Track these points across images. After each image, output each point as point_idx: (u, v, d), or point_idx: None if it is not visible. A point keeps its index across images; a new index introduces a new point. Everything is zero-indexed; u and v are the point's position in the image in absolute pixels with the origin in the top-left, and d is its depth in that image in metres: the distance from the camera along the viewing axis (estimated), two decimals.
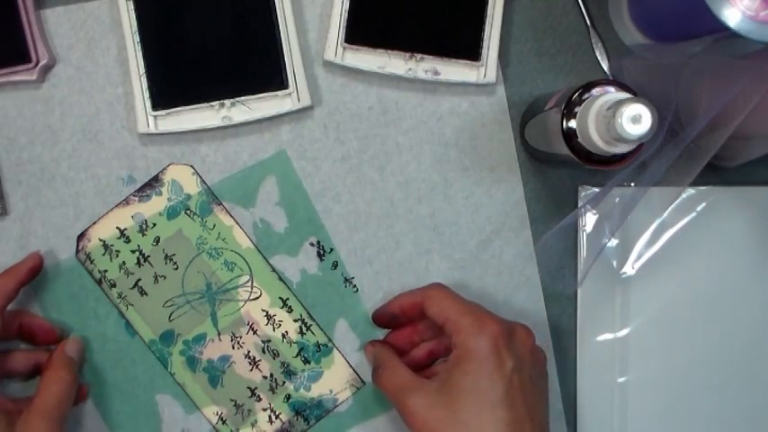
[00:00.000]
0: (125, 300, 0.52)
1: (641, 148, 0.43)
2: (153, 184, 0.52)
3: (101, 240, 0.52)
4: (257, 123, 0.52)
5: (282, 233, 0.53)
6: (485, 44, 0.51)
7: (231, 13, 0.51)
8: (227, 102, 0.51)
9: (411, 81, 0.53)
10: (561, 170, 0.53)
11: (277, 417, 0.53)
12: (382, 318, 0.52)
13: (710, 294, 0.54)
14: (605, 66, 0.53)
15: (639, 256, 0.54)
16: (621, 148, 0.41)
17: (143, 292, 0.52)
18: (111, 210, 0.52)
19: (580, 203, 0.53)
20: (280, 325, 0.53)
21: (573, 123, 0.43)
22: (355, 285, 0.53)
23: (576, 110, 0.43)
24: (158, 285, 0.52)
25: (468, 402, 0.43)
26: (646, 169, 0.47)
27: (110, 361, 0.52)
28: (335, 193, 0.53)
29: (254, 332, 0.53)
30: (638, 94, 0.43)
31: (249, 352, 0.52)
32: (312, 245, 0.53)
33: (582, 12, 0.53)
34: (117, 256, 0.52)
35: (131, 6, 0.50)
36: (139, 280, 0.52)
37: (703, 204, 0.54)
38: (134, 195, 0.52)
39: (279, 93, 0.51)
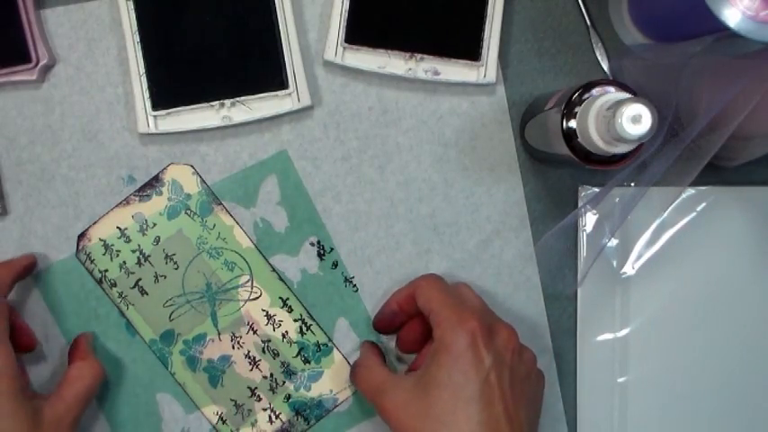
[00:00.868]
0: (125, 299, 0.52)
1: (641, 148, 0.43)
2: (153, 183, 0.52)
3: (101, 240, 0.52)
4: (257, 123, 0.52)
5: (283, 233, 0.53)
6: (485, 44, 0.51)
7: (231, 13, 0.51)
8: (227, 102, 0.51)
9: (411, 81, 0.53)
10: (561, 170, 0.53)
11: (277, 416, 0.53)
12: (383, 321, 0.52)
13: (710, 294, 0.54)
14: (605, 66, 0.53)
15: (639, 256, 0.54)
16: (621, 148, 0.41)
17: (143, 292, 0.52)
18: (112, 209, 0.52)
19: (580, 203, 0.53)
20: (280, 325, 0.53)
21: (573, 123, 0.43)
22: (355, 285, 0.53)
23: (576, 110, 0.43)
24: (158, 285, 0.52)
25: (443, 397, 0.42)
26: (646, 169, 0.47)
27: (110, 361, 0.52)
28: (336, 193, 0.53)
29: (254, 332, 0.53)
30: (638, 94, 0.43)
31: (249, 352, 0.52)
32: (312, 244, 0.53)
33: (582, 12, 0.53)
34: (117, 255, 0.52)
35: (131, 6, 0.50)
36: (140, 280, 0.52)
37: (703, 204, 0.54)
38: (134, 195, 0.52)
39: (279, 93, 0.51)
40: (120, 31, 0.51)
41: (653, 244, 0.54)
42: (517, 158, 0.53)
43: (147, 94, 0.51)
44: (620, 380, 0.53)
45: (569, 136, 0.43)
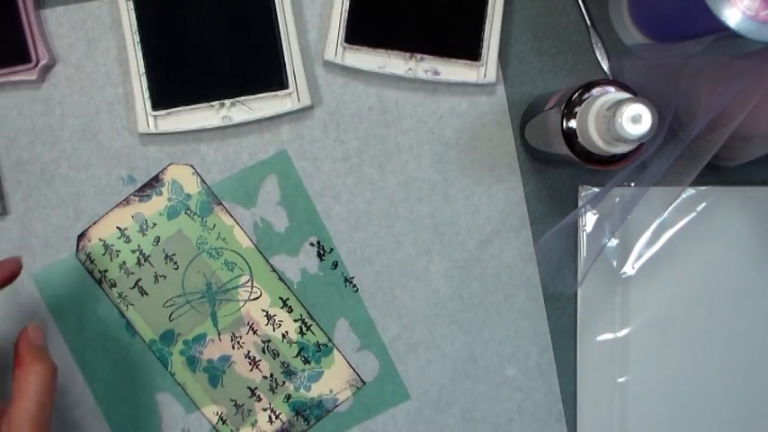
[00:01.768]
0: (125, 299, 0.52)
1: (641, 148, 0.43)
2: (153, 183, 0.52)
3: (101, 240, 0.52)
4: (257, 123, 0.52)
5: (283, 233, 0.53)
6: (485, 44, 0.51)
7: (231, 13, 0.51)
8: (227, 102, 0.51)
9: (411, 81, 0.53)
10: (561, 170, 0.53)
11: (277, 417, 0.53)
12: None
13: (710, 294, 0.54)
14: (605, 66, 0.53)
15: (639, 256, 0.54)
16: (621, 148, 0.41)
17: (143, 292, 0.52)
18: (112, 210, 0.52)
19: (580, 203, 0.53)
20: (280, 325, 0.53)
21: (573, 123, 0.43)
22: (355, 285, 0.53)
23: (576, 110, 0.43)
24: (158, 285, 0.52)
25: None
26: (646, 169, 0.47)
27: (110, 361, 0.52)
28: (336, 193, 0.53)
29: (254, 332, 0.53)
30: (638, 94, 0.43)
31: (249, 352, 0.52)
32: (312, 245, 0.53)
33: (582, 12, 0.53)
34: (117, 255, 0.52)
35: (131, 6, 0.50)
36: (140, 280, 0.52)
37: (703, 204, 0.54)
38: (134, 195, 0.52)
39: (279, 93, 0.51)
40: (120, 31, 0.51)
41: (653, 244, 0.54)
42: (517, 158, 0.53)
43: (147, 94, 0.51)
44: (620, 380, 0.53)
45: (569, 136, 0.43)
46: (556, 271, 0.54)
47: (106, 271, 0.52)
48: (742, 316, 0.54)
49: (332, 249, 0.53)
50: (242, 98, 0.51)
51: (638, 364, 0.53)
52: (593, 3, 0.53)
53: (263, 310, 0.53)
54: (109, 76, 0.52)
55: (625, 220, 0.52)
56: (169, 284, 0.52)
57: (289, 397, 0.53)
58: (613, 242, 0.53)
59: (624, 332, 0.54)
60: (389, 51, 0.51)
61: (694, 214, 0.54)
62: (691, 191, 0.53)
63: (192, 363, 0.52)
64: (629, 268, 0.54)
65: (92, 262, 0.52)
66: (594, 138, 0.41)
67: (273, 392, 0.53)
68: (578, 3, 0.53)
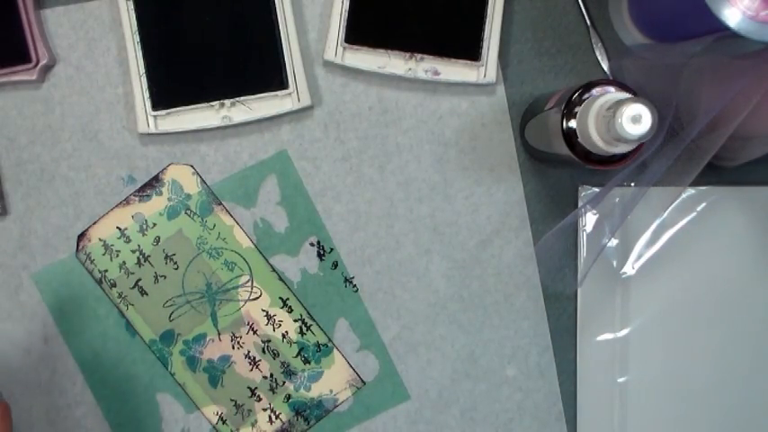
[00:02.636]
0: (125, 299, 0.52)
1: (641, 148, 0.43)
2: (153, 183, 0.52)
3: (101, 240, 0.52)
4: (257, 123, 0.52)
5: (283, 233, 0.53)
6: (485, 44, 0.51)
7: (231, 13, 0.51)
8: (227, 102, 0.51)
9: (411, 81, 0.53)
10: (561, 170, 0.53)
11: (277, 417, 0.53)
12: None
13: (710, 294, 0.54)
14: (605, 66, 0.53)
15: (639, 256, 0.54)
16: (621, 148, 0.41)
17: (143, 292, 0.52)
18: (112, 210, 0.52)
19: (580, 203, 0.53)
20: (280, 325, 0.53)
21: (573, 123, 0.43)
22: (355, 285, 0.53)
23: (576, 110, 0.43)
24: (158, 285, 0.52)
25: None
26: (646, 169, 0.47)
27: (110, 361, 0.52)
28: (336, 193, 0.53)
29: (254, 332, 0.53)
30: (638, 94, 0.43)
31: (249, 352, 0.52)
32: (312, 245, 0.53)
33: (582, 12, 0.53)
34: (117, 255, 0.52)
35: (131, 6, 0.50)
36: (140, 280, 0.52)
37: (703, 204, 0.54)
38: (134, 195, 0.52)
39: (279, 93, 0.51)
40: (120, 31, 0.51)
41: (653, 244, 0.54)
42: (517, 158, 0.53)
43: (147, 94, 0.51)
44: (620, 380, 0.53)
45: (569, 136, 0.43)
46: (556, 271, 0.54)
47: (106, 271, 0.52)
48: (742, 315, 0.54)
49: (332, 249, 0.53)
50: (242, 98, 0.51)
51: (638, 364, 0.53)
52: (593, 3, 0.53)
53: (263, 310, 0.53)
54: (109, 76, 0.52)
55: (625, 221, 0.52)
56: (169, 284, 0.52)
57: (289, 397, 0.53)
58: (613, 242, 0.53)
59: (624, 332, 0.54)
60: (389, 51, 0.51)
61: (694, 214, 0.54)
62: (691, 191, 0.53)
63: (191, 363, 0.52)
64: (629, 268, 0.54)
65: (92, 262, 0.52)
66: (594, 138, 0.41)
67: (273, 392, 0.53)
68: (578, 3, 0.53)
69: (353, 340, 0.53)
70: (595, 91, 0.43)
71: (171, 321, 0.52)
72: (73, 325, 0.52)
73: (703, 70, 0.47)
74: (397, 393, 0.53)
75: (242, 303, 0.53)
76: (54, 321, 0.52)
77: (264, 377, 0.53)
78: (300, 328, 0.53)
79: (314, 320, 0.53)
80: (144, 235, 0.52)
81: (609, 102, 0.41)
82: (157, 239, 0.52)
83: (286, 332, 0.53)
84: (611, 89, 0.43)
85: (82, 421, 0.52)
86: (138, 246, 0.52)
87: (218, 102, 0.51)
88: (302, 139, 0.53)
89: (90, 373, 0.52)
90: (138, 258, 0.52)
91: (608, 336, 0.54)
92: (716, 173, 0.52)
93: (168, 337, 0.52)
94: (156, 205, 0.52)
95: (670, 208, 0.53)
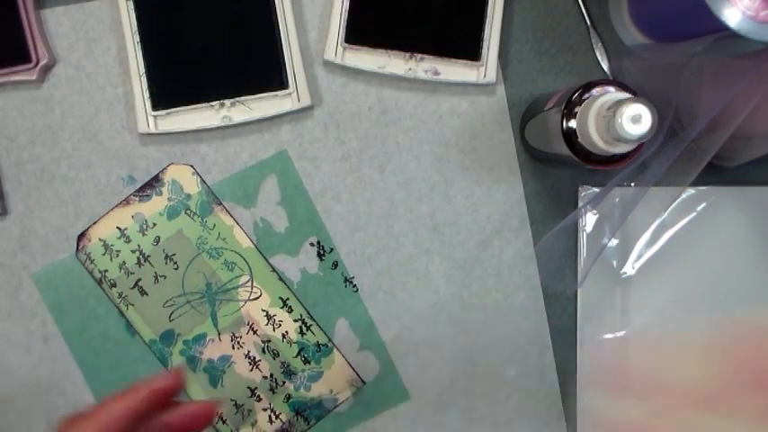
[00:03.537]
0: (125, 299, 0.52)
1: (641, 148, 0.43)
2: (153, 183, 0.52)
3: (101, 240, 0.52)
4: (257, 123, 0.52)
5: (283, 233, 0.53)
6: (485, 44, 0.51)
7: (231, 13, 0.51)
8: (227, 102, 0.51)
9: (411, 81, 0.53)
10: (561, 170, 0.53)
11: (277, 417, 0.53)
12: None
13: (710, 294, 0.54)
14: (605, 66, 0.53)
15: (639, 256, 0.54)
16: (621, 148, 0.41)
17: (143, 292, 0.52)
18: (112, 210, 0.52)
19: (580, 203, 0.53)
20: (280, 325, 0.53)
21: (573, 123, 0.43)
22: (355, 285, 0.53)
23: (576, 110, 0.43)
24: (158, 285, 0.52)
25: None
26: (646, 169, 0.47)
27: (110, 361, 0.52)
28: (336, 193, 0.53)
29: (254, 332, 0.53)
30: (638, 94, 0.43)
31: (249, 352, 0.52)
32: (312, 245, 0.53)
33: (582, 12, 0.53)
34: (117, 255, 0.52)
35: (131, 6, 0.50)
36: (140, 280, 0.52)
37: (703, 204, 0.54)
38: (134, 195, 0.52)
39: (279, 93, 0.51)
40: (120, 31, 0.51)
41: (653, 244, 0.54)
42: (517, 158, 0.53)
43: (147, 94, 0.51)
44: (620, 380, 0.53)
45: (569, 136, 0.43)
46: (556, 271, 0.54)
47: (106, 271, 0.52)
48: (742, 315, 0.54)
49: (332, 249, 0.53)
50: (242, 98, 0.51)
51: (638, 364, 0.53)
52: (593, 3, 0.53)
53: (263, 310, 0.53)
54: (109, 76, 0.52)
55: (625, 220, 0.52)
56: (169, 284, 0.52)
57: (289, 397, 0.53)
58: (613, 242, 0.53)
59: (624, 332, 0.54)
60: (389, 51, 0.51)
61: (694, 214, 0.54)
62: (691, 191, 0.53)
63: (192, 363, 0.52)
64: (629, 268, 0.54)
65: (92, 262, 0.52)
66: (594, 138, 0.41)
67: (273, 392, 0.53)
68: (578, 3, 0.53)
69: (353, 340, 0.53)
70: (595, 91, 0.43)
71: (171, 321, 0.52)
72: (73, 325, 0.52)
73: (703, 70, 0.47)
74: (397, 393, 0.53)
75: (242, 303, 0.53)
76: (54, 321, 0.52)
77: (264, 377, 0.53)
78: (300, 328, 0.53)
79: (314, 320, 0.53)
80: (144, 235, 0.52)
81: (609, 102, 0.41)
82: (157, 239, 0.52)
83: (286, 332, 0.53)
84: (611, 89, 0.43)
85: None
86: (138, 246, 0.52)
87: (218, 102, 0.51)
88: (302, 139, 0.53)
89: (90, 373, 0.52)
90: (138, 258, 0.52)
91: (608, 336, 0.54)
92: (716, 173, 0.52)
93: (168, 337, 0.52)
94: (156, 205, 0.52)
95: (670, 208, 0.53)
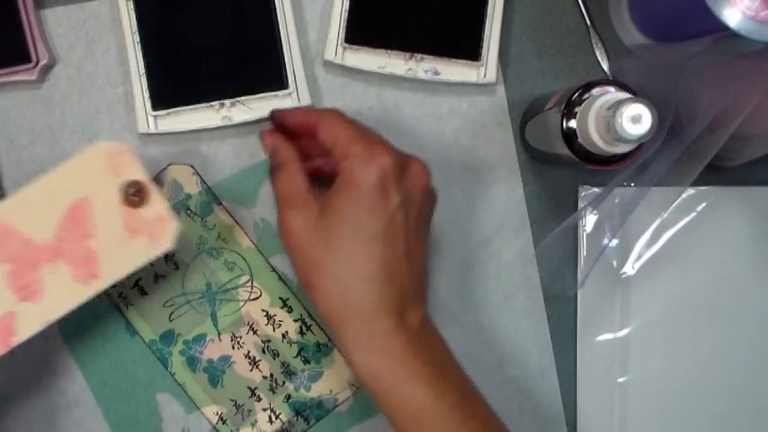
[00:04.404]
0: (125, 299, 0.52)
1: (641, 148, 0.43)
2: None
3: None
4: (257, 123, 0.52)
5: None
6: (485, 44, 0.51)
7: (231, 13, 0.51)
8: (228, 102, 0.51)
9: (411, 81, 0.53)
10: (561, 170, 0.53)
11: (277, 417, 0.53)
12: (279, 119, 0.48)
13: (711, 294, 0.54)
14: (605, 66, 0.53)
15: (639, 256, 0.54)
16: (621, 148, 0.41)
17: (143, 292, 0.52)
18: None
19: (580, 203, 0.53)
20: (280, 325, 0.53)
21: (573, 123, 0.43)
22: None
23: (576, 110, 0.43)
24: (158, 285, 0.52)
25: (345, 232, 0.41)
26: (646, 169, 0.47)
27: (110, 361, 0.52)
28: None
29: (254, 332, 0.53)
30: (638, 94, 0.43)
31: (249, 352, 0.52)
32: None
33: (582, 12, 0.53)
34: None
35: (131, 6, 0.50)
36: (139, 279, 0.52)
37: (703, 204, 0.54)
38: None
39: (279, 93, 0.51)
40: (120, 31, 0.51)
41: (653, 244, 0.54)
42: (517, 158, 0.53)
43: (147, 94, 0.51)
44: (620, 380, 0.53)
45: (569, 136, 0.44)
46: (556, 271, 0.54)
47: None
48: (742, 316, 0.54)
49: None
50: (242, 98, 0.51)
51: (638, 364, 0.53)
52: (593, 3, 0.53)
53: (263, 310, 0.53)
54: (109, 76, 0.52)
55: (625, 221, 0.52)
56: (169, 284, 0.52)
57: (289, 397, 0.53)
58: (613, 242, 0.53)
59: (624, 332, 0.54)
60: (389, 51, 0.51)
61: (694, 214, 0.54)
62: (691, 191, 0.53)
63: (192, 363, 0.52)
64: (629, 268, 0.54)
65: None
66: (594, 138, 0.41)
67: (273, 392, 0.53)
68: (578, 3, 0.53)
69: None
70: (595, 91, 0.43)
71: (171, 321, 0.52)
72: (73, 325, 0.52)
73: (703, 70, 0.47)
74: None
75: (242, 303, 0.53)
76: (54, 321, 0.52)
77: (264, 377, 0.53)
78: (300, 328, 0.53)
79: (314, 320, 0.53)
80: None
81: (609, 102, 0.41)
82: None
83: (286, 332, 0.53)
84: (611, 89, 0.43)
85: (81, 421, 0.52)
86: None
87: (218, 102, 0.51)
88: None
89: (90, 373, 0.52)
90: None
91: (608, 336, 0.54)
92: (716, 173, 0.52)
93: (168, 337, 0.52)
94: None
95: (670, 208, 0.53)
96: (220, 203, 0.52)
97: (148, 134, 0.51)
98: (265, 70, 0.51)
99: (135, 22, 0.50)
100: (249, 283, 0.53)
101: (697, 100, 0.47)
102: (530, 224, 0.53)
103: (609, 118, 0.39)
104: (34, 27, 0.51)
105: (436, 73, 0.52)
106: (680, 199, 0.53)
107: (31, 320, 0.43)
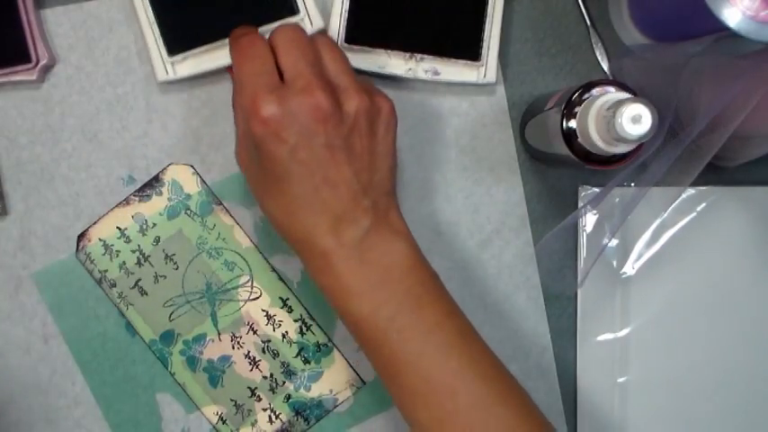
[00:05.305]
0: (125, 299, 0.52)
1: (641, 148, 0.43)
2: (153, 184, 0.52)
3: (101, 240, 0.52)
4: None
5: None
6: (485, 44, 0.51)
7: None
8: None
9: (411, 81, 0.53)
10: (561, 170, 0.54)
11: (277, 417, 0.53)
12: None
13: (711, 294, 0.54)
14: (605, 66, 0.53)
15: (639, 256, 0.54)
16: (621, 148, 0.41)
17: (143, 292, 0.52)
18: (112, 210, 0.52)
19: (580, 203, 0.53)
20: (280, 325, 0.53)
21: (573, 123, 0.43)
22: None
23: (576, 110, 0.43)
24: (158, 285, 0.52)
25: (266, 173, 0.43)
26: (646, 169, 0.47)
27: (110, 361, 0.52)
28: None
29: (254, 332, 0.53)
30: (638, 94, 0.43)
31: (249, 352, 0.52)
32: None
33: (582, 12, 0.53)
34: (117, 255, 0.52)
35: None
36: (139, 280, 0.52)
37: (703, 204, 0.54)
38: (134, 195, 0.52)
39: (290, 19, 0.49)
40: (119, 30, 0.51)
41: (653, 244, 0.54)
42: (517, 158, 0.53)
43: (161, 41, 0.49)
44: (620, 380, 0.53)
45: (569, 136, 0.44)
46: (556, 271, 0.54)
47: (106, 271, 0.52)
48: (742, 315, 0.54)
49: None
50: None
51: (637, 363, 0.53)
52: (593, 3, 0.53)
53: (263, 310, 0.53)
54: (109, 76, 0.52)
55: (625, 221, 0.52)
56: (169, 284, 0.52)
57: (289, 397, 0.53)
58: (613, 242, 0.53)
59: (624, 332, 0.54)
60: (389, 51, 0.51)
61: (694, 214, 0.54)
62: (691, 191, 0.53)
63: (191, 363, 0.52)
64: (629, 268, 0.54)
65: (92, 262, 0.52)
66: (594, 138, 0.41)
67: (273, 392, 0.53)
68: (578, 3, 0.53)
69: (353, 340, 0.53)
70: (595, 91, 0.43)
71: (171, 321, 0.52)
72: (73, 325, 0.52)
73: (703, 70, 0.47)
74: None
75: (242, 303, 0.53)
76: (54, 321, 0.52)
77: (264, 377, 0.53)
78: (300, 328, 0.53)
79: (314, 320, 0.53)
80: (144, 235, 0.52)
81: (609, 102, 0.41)
82: (157, 239, 0.52)
83: (286, 332, 0.53)
84: (611, 89, 0.43)
85: (81, 421, 0.52)
86: (138, 246, 0.52)
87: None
88: None
89: (90, 373, 0.52)
90: (138, 258, 0.52)
91: (608, 336, 0.54)
92: (716, 173, 0.52)
93: (168, 337, 0.52)
94: (156, 205, 0.52)
95: (670, 208, 0.53)
96: (220, 203, 0.52)
97: (168, 82, 0.50)
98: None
99: None
100: (249, 283, 0.53)
101: (697, 100, 0.47)
102: (530, 224, 0.53)
103: (609, 118, 0.39)
104: (34, 27, 0.51)
105: (436, 73, 0.52)
106: (680, 199, 0.53)
107: None
